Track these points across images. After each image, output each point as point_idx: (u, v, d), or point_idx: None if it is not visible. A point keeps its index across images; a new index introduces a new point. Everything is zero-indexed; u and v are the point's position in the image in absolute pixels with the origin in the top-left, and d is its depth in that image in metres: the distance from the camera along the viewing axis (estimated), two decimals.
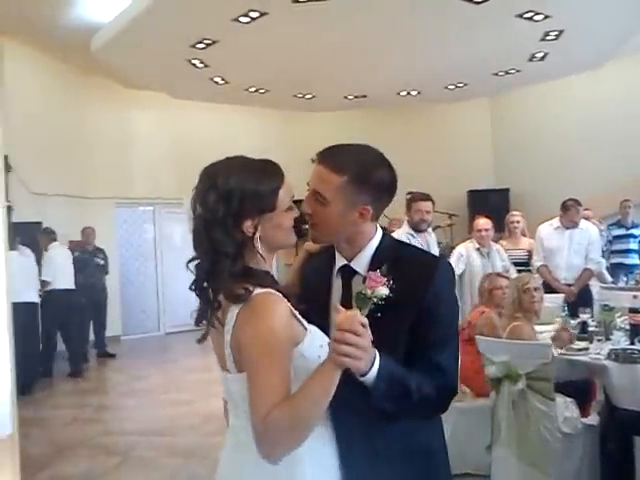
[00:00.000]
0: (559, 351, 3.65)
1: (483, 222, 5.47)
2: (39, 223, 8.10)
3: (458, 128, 11.13)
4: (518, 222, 6.14)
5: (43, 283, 7.40)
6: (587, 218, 6.23)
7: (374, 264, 1.52)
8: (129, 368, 8.17)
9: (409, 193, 4.76)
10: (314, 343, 1.43)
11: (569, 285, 5.58)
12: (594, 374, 3.52)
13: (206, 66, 8.38)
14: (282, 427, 1.28)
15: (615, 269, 6.95)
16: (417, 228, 4.59)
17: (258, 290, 1.39)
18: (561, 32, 7.51)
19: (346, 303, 1.45)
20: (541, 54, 8.41)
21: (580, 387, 3.62)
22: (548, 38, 7.71)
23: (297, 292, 1.57)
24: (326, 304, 1.58)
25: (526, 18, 6.98)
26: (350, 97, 10.45)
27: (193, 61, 8.16)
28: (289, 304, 1.41)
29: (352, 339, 1.25)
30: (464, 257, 5.34)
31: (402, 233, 4.53)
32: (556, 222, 5.74)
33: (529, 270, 5.68)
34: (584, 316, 4.11)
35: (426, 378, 1.42)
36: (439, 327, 1.48)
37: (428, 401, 1.44)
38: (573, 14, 6.98)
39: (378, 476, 1.50)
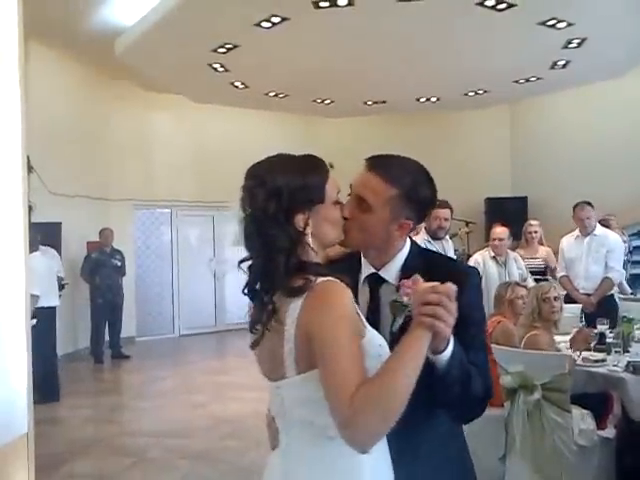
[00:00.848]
0: (577, 355, 3.60)
1: (499, 231, 5.44)
2: (59, 224, 8.20)
3: (477, 135, 11.07)
4: (536, 232, 6.09)
5: (32, 298, 7.12)
6: (608, 226, 6.12)
7: (404, 273, 1.53)
8: (144, 370, 8.22)
9: None
10: (374, 341, 1.40)
11: (588, 295, 5.50)
12: (611, 386, 3.48)
13: (227, 70, 8.43)
14: (372, 405, 1.21)
15: (635, 280, 6.86)
16: (435, 235, 4.57)
17: (320, 279, 1.36)
18: (584, 40, 7.44)
19: (374, 311, 1.47)
20: (563, 62, 8.34)
21: (597, 399, 3.57)
22: (571, 46, 7.64)
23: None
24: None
25: (549, 26, 6.93)
26: (369, 103, 10.44)
27: (214, 65, 8.21)
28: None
29: (446, 302, 1.27)
30: (480, 265, 5.31)
31: (419, 240, 4.52)
32: (577, 232, 5.69)
33: (546, 279, 5.63)
34: (602, 327, 4.05)
35: (478, 376, 1.46)
36: (472, 332, 1.50)
37: (477, 397, 1.48)
38: (596, 22, 6.92)
39: None
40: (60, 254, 8.23)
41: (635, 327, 4.06)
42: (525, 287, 4.32)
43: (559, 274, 5.74)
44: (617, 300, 5.58)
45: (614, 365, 3.50)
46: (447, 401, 1.44)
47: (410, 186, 1.53)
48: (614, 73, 8.75)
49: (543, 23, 6.87)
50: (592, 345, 3.92)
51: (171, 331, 10.78)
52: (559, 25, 6.94)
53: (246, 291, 1.47)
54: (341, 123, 11.16)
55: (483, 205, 10.45)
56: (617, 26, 7.05)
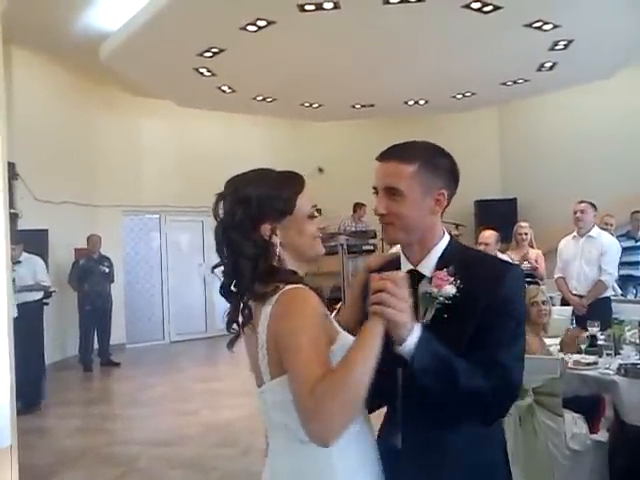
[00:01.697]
0: (570, 357, 3.58)
1: (486, 235, 5.43)
2: (46, 231, 8.11)
3: (465, 137, 11.06)
4: (526, 234, 6.06)
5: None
6: (607, 224, 6.06)
7: (440, 266, 1.51)
8: (134, 377, 8.14)
9: None
10: (346, 346, 1.39)
11: (581, 296, 5.48)
12: (603, 389, 3.46)
13: (213, 74, 8.39)
14: (333, 396, 1.24)
15: (624, 281, 6.85)
16: None
17: (288, 286, 1.41)
18: (570, 42, 7.47)
19: (415, 308, 1.45)
20: (550, 64, 8.36)
21: (589, 402, 3.55)
22: (557, 48, 7.67)
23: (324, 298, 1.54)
24: None
25: (535, 27, 6.94)
26: (357, 106, 10.43)
27: (200, 69, 8.17)
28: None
29: (391, 288, 1.27)
30: None
31: None
32: (575, 232, 5.65)
33: (536, 282, 5.61)
34: (593, 329, 4.04)
35: (481, 372, 1.37)
36: (505, 328, 1.43)
37: (479, 396, 1.37)
38: (583, 24, 6.94)
39: None
40: (47, 261, 8.14)
41: (626, 329, 4.05)
42: None
43: (556, 275, 5.71)
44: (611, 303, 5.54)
45: (606, 368, 3.48)
46: (426, 386, 1.36)
47: (427, 157, 1.53)
48: (601, 75, 8.78)
49: (529, 25, 6.89)
50: (583, 347, 3.91)
51: (161, 337, 10.70)
52: (545, 27, 6.96)
53: (222, 292, 1.51)
54: (329, 127, 11.14)
55: (473, 207, 10.46)
56: (604, 28, 7.07)
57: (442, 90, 9.62)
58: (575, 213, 5.54)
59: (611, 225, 6.84)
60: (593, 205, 5.59)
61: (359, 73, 8.60)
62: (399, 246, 1.63)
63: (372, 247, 9.31)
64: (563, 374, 3.23)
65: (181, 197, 10.32)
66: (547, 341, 3.80)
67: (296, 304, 1.37)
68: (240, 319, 1.47)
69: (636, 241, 7.43)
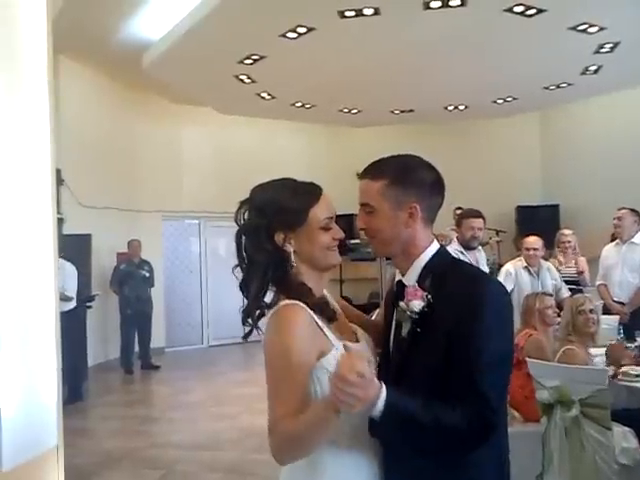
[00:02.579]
0: (615, 369, 3.48)
1: (532, 240, 5.33)
2: (89, 235, 8.29)
3: (506, 143, 10.92)
4: (569, 241, 5.96)
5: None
6: None
7: (422, 278, 1.50)
8: (174, 381, 8.23)
9: (458, 209, 4.70)
10: (336, 359, 1.40)
11: (623, 304, 5.38)
12: None
13: (253, 81, 8.46)
14: (286, 439, 1.37)
15: None
16: (468, 245, 4.50)
17: (285, 301, 1.48)
18: (616, 44, 7.29)
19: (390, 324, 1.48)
20: (595, 67, 8.18)
21: (638, 416, 3.44)
22: (603, 51, 7.50)
23: (330, 307, 1.58)
24: (390, 324, 1.60)
25: (580, 30, 6.80)
26: (396, 111, 10.38)
27: (240, 76, 8.25)
28: (316, 316, 1.48)
29: (347, 389, 1.22)
30: (512, 276, 5.21)
31: (451, 250, 4.43)
32: (618, 239, 5.59)
33: (580, 289, 5.50)
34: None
35: (451, 406, 1.33)
36: (480, 350, 1.36)
37: (454, 433, 1.35)
38: (629, 25, 6.77)
39: None
40: (90, 265, 8.33)
41: None
42: (552, 296, 4.26)
43: (597, 282, 5.63)
44: None
45: None
46: (392, 441, 1.41)
47: (396, 171, 1.53)
48: None
49: (574, 28, 6.75)
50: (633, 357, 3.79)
51: (200, 342, 10.81)
52: (591, 29, 6.80)
53: (240, 288, 1.61)
54: (368, 132, 11.11)
55: (514, 213, 10.30)
56: None
57: (483, 95, 9.50)
58: (614, 220, 5.48)
59: None
60: (634, 211, 5.49)
61: (399, 78, 8.56)
62: None
63: None
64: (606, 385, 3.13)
65: (220, 203, 10.37)
66: (594, 351, 3.70)
67: (282, 322, 1.45)
68: (254, 316, 1.56)
69: None
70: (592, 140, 9.85)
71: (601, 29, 6.80)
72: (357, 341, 1.58)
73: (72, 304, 6.66)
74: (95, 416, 6.55)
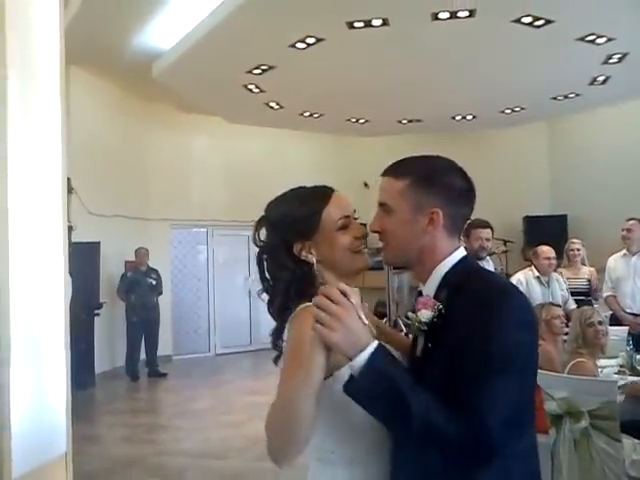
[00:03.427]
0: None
1: (547, 250, 5.31)
2: (98, 243, 8.33)
3: (514, 153, 10.92)
4: (578, 250, 5.94)
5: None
6: None
7: (441, 288, 1.37)
8: (181, 388, 8.24)
9: None
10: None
11: (635, 315, 5.36)
12: None
13: (262, 91, 8.50)
14: (277, 409, 1.22)
15: None
16: (476, 256, 4.49)
17: (301, 305, 1.39)
18: (625, 55, 7.29)
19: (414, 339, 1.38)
20: (603, 78, 8.18)
21: None
22: (611, 61, 7.50)
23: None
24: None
25: (588, 41, 6.81)
26: (404, 121, 10.41)
27: (249, 86, 8.29)
28: None
29: (327, 305, 1.16)
30: (523, 285, 5.19)
31: None
32: (624, 250, 5.58)
33: (589, 301, 5.48)
34: None
35: (445, 412, 1.18)
36: (483, 365, 1.21)
37: (440, 437, 1.18)
38: (638, 36, 6.76)
39: None
40: (99, 273, 8.36)
41: None
42: (560, 307, 4.25)
43: (605, 294, 5.62)
44: None
45: None
46: (366, 406, 1.21)
47: (422, 172, 1.41)
48: None
49: (582, 38, 6.76)
50: None
51: (207, 350, 10.81)
52: (599, 40, 6.81)
53: (269, 312, 1.53)
54: (375, 142, 11.12)
55: (521, 224, 10.27)
56: None
57: (491, 105, 9.51)
58: (623, 231, 5.46)
59: None
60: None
61: (407, 89, 8.58)
62: None
63: None
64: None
65: (228, 211, 10.46)
66: (604, 362, 3.69)
67: (299, 320, 1.37)
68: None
69: None
70: (600, 150, 9.83)
71: (609, 40, 6.80)
72: None
73: None
74: (103, 423, 6.55)
